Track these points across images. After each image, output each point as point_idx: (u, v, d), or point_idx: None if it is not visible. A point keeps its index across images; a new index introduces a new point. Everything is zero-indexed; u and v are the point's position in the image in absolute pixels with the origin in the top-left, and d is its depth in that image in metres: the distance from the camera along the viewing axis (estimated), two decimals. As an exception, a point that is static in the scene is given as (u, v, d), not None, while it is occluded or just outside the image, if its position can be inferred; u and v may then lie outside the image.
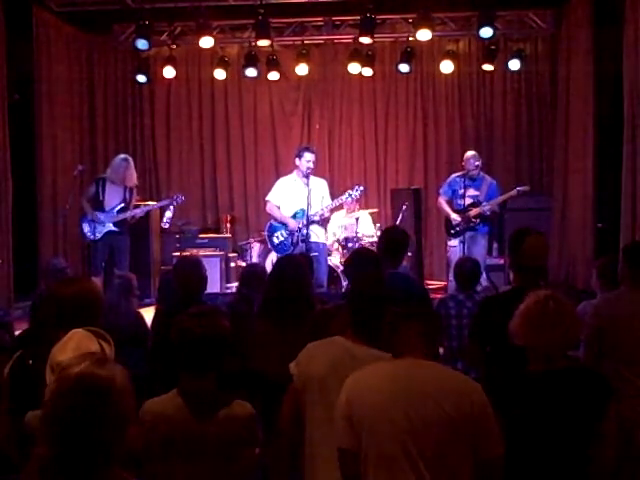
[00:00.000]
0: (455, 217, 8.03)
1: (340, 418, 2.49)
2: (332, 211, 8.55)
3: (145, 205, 8.60)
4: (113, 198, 7.84)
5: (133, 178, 8.02)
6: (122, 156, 8.16)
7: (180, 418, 2.62)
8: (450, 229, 8.12)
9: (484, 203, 7.95)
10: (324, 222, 8.27)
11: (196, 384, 2.65)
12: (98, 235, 7.70)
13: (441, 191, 8.41)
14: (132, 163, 8.11)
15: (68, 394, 1.83)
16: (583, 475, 2.59)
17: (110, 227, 7.74)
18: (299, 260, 4.39)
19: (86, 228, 7.76)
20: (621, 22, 7.45)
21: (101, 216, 7.72)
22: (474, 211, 7.93)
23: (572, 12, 9.03)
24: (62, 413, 1.81)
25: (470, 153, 8.25)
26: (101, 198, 7.82)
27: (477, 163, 8.02)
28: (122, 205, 7.83)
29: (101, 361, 1.93)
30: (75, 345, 2.47)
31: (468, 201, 7.97)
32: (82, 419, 1.80)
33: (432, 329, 2.59)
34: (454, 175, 8.31)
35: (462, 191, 7.93)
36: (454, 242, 8.07)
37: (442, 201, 8.30)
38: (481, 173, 8.15)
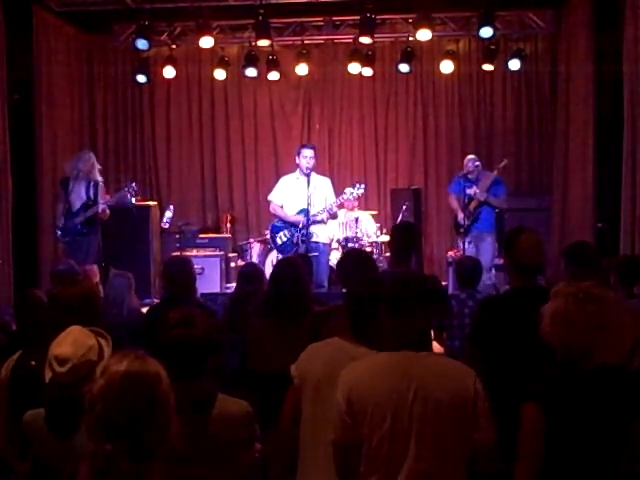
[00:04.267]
0: (459, 215, 8.25)
1: (339, 413, 2.49)
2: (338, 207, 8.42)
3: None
4: (77, 197, 7.61)
5: (96, 172, 7.74)
6: (86, 151, 7.97)
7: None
8: (459, 228, 8.29)
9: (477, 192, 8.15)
10: (333, 218, 8.22)
11: (185, 388, 2.50)
12: (68, 238, 7.61)
13: (450, 190, 8.63)
14: (95, 159, 7.87)
15: (120, 393, 1.87)
16: (615, 474, 2.57)
17: (78, 228, 7.55)
18: (297, 261, 4.43)
19: (58, 233, 7.72)
20: (621, 22, 7.45)
21: (68, 222, 7.56)
22: (472, 204, 8.15)
23: (572, 12, 9.03)
24: (118, 411, 1.86)
25: (469, 157, 8.47)
26: (68, 200, 7.60)
27: (475, 164, 8.23)
28: (87, 203, 7.57)
29: (140, 358, 1.96)
30: (73, 339, 2.47)
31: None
32: (139, 414, 1.86)
33: (423, 324, 2.63)
34: (456, 177, 8.56)
35: (467, 191, 8.14)
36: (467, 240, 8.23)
37: (453, 199, 8.51)
38: (481, 172, 8.32)
